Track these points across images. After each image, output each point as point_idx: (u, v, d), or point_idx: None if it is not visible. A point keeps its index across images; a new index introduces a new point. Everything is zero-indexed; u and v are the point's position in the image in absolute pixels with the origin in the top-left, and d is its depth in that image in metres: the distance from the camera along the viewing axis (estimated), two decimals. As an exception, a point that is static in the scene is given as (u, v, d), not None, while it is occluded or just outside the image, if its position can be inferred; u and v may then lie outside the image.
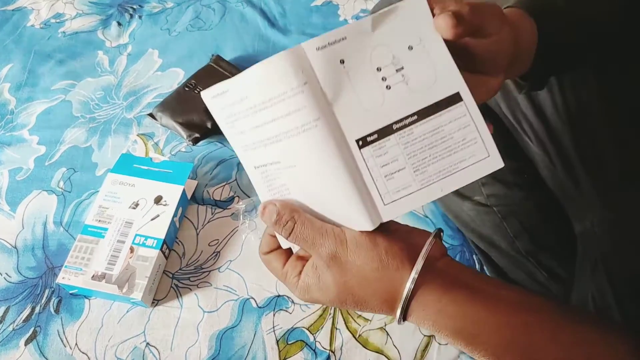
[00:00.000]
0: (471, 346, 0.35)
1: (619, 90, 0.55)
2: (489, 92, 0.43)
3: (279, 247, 0.41)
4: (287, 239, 0.38)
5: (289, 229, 0.38)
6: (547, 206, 0.66)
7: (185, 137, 0.88)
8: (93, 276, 0.69)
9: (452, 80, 0.37)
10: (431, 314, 0.36)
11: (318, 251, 0.37)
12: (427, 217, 0.79)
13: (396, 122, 0.36)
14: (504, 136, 0.68)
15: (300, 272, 0.39)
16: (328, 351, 0.67)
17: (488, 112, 0.68)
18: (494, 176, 0.67)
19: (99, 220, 0.74)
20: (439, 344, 0.67)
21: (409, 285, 0.35)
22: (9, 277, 0.75)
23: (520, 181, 0.67)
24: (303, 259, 0.40)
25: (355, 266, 0.36)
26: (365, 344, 0.67)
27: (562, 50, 0.47)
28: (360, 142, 0.36)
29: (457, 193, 0.70)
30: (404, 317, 0.36)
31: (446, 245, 0.76)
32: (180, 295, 0.72)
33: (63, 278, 0.69)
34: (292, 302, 0.71)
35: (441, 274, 0.37)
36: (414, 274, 0.35)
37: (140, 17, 1.16)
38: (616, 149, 0.55)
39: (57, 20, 1.15)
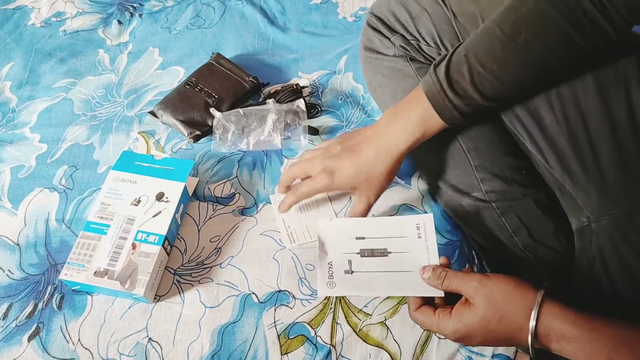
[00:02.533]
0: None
1: (615, 90, 0.56)
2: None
3: (423, 303, 0.57)
4: (440, 286, 0.55)
5: (443, 277, 0.55)
6: (546, 202, 0.66)
7: (186, 134, 0.89)
8: (95, 272, 0.69)
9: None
10: (558, 320, 0.47)
11: (466, 287, 0.52)
12: (426, 213, 0.80)
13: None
14: (502, 133, 0.68)
15: (450, 312, 0.53)
16: (329, 345, 0.67)
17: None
18: (493, 172, 0.68)
19: (101, 217, 0.74)
20: (439, 338, 0.68)
21: (540, 294, 0.48)
22: (12, 274, 0.75)
23: (518, 177, 0.67)
24: (448, 307, 0.54)
25: (498, 286, 0.50)
26: (365, 339, 0.68)
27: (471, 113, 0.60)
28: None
29: (456, 189, 0.71)
30: (536, 327, 0.47)
31: (445, 240, 0.77)
32: (182, 291, 0.73)
33: (65, 274, 0.69)
34: (293, 297, 0.71)
35: (558, 304, 0.48)
36: (542, 291, 0.49)
37: (140, 15, 1.16)
38: (613, 147, 0.56)
39: (58, 19, 1.16)
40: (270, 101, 0.89)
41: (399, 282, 0.61)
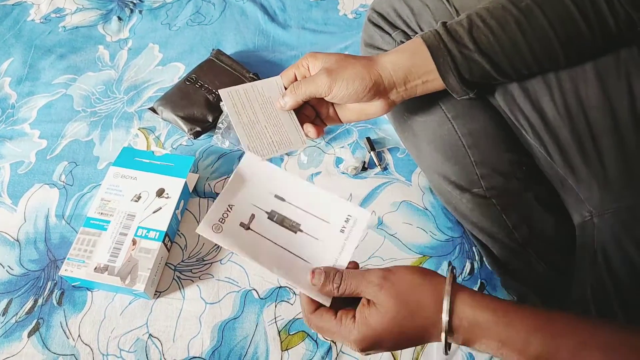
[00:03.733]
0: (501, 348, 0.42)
1: (617, 83, 0.56)
2: (374, 112, 0.61)
3: (320, 306, 0.48)
4: (336, 292, 0.46)
5: (338, 280, 0.46)
6: (546, 197, 0.66)
7: (186, 130, 0.89)
8: (95, 268, 0.69)
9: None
10: (470, 307, 0.43)
11: (367, 287, 0.45)
12: (427, 209, 0.80)
13: None
14: (503, 129, 0.68)
15: (354, 315, 0.45)
16: (329, 342, 0.67)
17: (486, 106, 0.68)
18: (494, 168, 0.68)
19: (102, 213, 0.74)
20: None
21: (448, 282, 0.44)
22: (12, 269, 0.75)
23: (519, 173, 0.67)
24: (351, 310, 0.46)
25: (404, 278, 0.45)
26: (366, 335, 0.68)
27: (467, 75, 0.57)
28: None
29: (457, 185, 0.71)
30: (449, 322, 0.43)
31: (446, 237, 0.77)
32: (182, 287, 0.72)
33: (66, 270, 0.69)
34: (294, 293, 0.71)
35: (467, 290, 0.44)
36: (450, 277, 0.44)
37: (140, 11, 1.16)
38: (615, 141, 0.56)
39: (58, 15, 1.15)
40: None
41: (290, 266, 0.51)
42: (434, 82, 0.58)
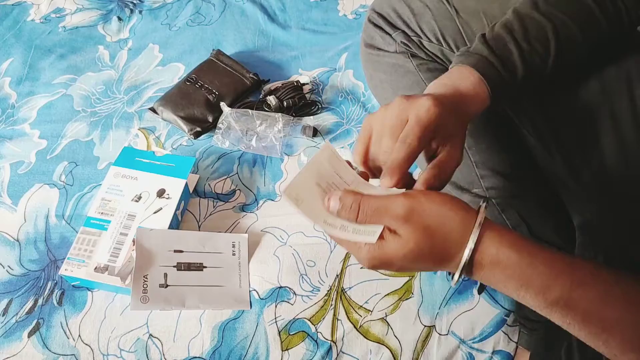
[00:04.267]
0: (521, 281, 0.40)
1: (617, 83, 0.56)
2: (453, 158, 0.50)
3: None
4: (356, 220, 0.41)
5: (356, 208, 0.41)
6: (546, 198, 0.67)
7: (186, 131, 0.89)
8: (96, 268, 0.69)
9: None
10: (496, 245, 0.40)
11: (392, 213, 0.40)
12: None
13: None
14: (503, 128, 0.68)
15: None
16: (330, 342, 0.67)
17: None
18: (493, 169, 0.68)
19: (102, 213, 0.74)
20: (439, 334, 0.68)
21: (479, 217, 0.40)
22: (12, 269, 0.75)
23: (519, 174, 0.67)
24: None
25: (433, 210, 0.40)
26: (366, 335, 0.68)
27: (515, 94, 0.53)
28: None
29: (456, 185, 0.71)
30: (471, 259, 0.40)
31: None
32: (183, 287, 0.72)
33: (66, 270, 0.69)
34: (294, 293, 0.71)
35: (497, 227, 0.41)
36: (481, 216, 0.40)
37: (140, 12, 1.16)
38: (616, 142, 0.56)
39: (58, 15, 1.15)
40: (279, 115, 0.89)
41: (211, 295, 0.67)
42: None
